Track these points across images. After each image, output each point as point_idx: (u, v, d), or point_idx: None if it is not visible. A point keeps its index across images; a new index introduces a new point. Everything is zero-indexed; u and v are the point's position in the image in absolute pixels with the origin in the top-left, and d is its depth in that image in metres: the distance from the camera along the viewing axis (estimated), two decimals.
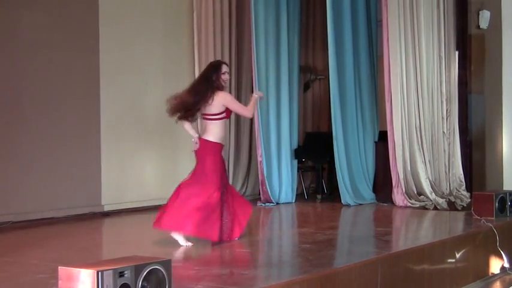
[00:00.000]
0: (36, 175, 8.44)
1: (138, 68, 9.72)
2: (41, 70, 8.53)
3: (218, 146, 6.75)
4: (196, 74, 10.17)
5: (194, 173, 6.79)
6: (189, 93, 6.73)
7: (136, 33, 9.70)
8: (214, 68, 6.83)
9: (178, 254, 6.28)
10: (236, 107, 6.83)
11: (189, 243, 6.63)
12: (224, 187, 6.80)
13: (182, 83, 10.15)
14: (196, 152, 6.78)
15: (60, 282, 4.26)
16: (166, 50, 10.17)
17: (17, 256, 6.15)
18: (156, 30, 10.05)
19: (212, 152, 6.71)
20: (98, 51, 9.17)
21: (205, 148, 6.71)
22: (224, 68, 6.78)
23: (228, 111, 6.78)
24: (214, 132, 6.72)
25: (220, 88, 6.73)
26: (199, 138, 6.75)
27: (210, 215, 6.59)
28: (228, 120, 6.95)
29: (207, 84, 6.72)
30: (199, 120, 7.31)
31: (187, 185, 6.73)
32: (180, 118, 6.77)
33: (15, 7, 8.27)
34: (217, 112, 6.70)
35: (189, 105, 6.68)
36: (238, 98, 10.82)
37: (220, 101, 6.67)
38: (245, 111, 6.92)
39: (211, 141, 6.70)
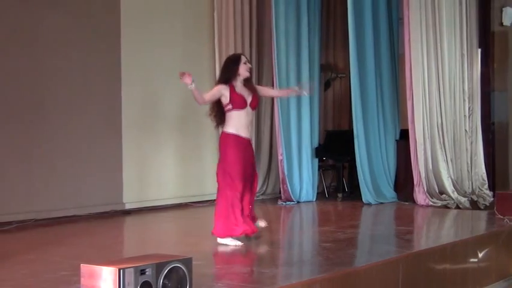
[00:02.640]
0: (59, 174, 8.49)
1: (159, 68, 9.74)
2: (64, 70, 8.58)
3: (234, 137, 6.54)
4: (217, 73, 10.20)
5: (217, 171, 6.69)
6: None
7: (157, 32, 9.73)
8: (233, 61, 6.69)
9: (199, 252, 6.28)
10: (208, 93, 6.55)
11: (239, 243, 6.56)
12: (247, 181, 6.66)
13: (203, 82, 10.20)
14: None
15: (82, 279, 4.29)
16: (187, 49, 10.19)
17: (40, 253, 6.19)
18: (177, 29, 10.07)
19: (230, 143, 6.54)
20: (120, 51, 9.21)
21: (221, 140, 6.62)
22: (244, 59, 6.67)
23: (232, 102, 6.51)
24: (229, 123, 6.56)
25: (231, 80, 6.56)
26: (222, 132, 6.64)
27: (233, 212, 6.54)
28: (246, 111, 6.59)
29: (220, 79, 6.66)
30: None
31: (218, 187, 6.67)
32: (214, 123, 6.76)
33: (38, 7, 8.32)
34: (224, 104, 6.56)
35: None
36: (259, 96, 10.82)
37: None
38: (201, 98, 6.48)
39: (227, 132, 6.56)
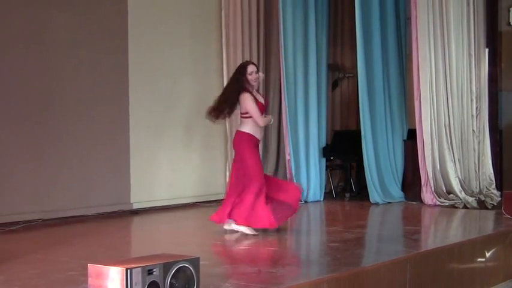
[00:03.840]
0: (66, 173, 8.51)
1: (167, 68, 9.76)
2: (71, 70, 8.60)
3: (253, 138, 7.09)
4: (225, 74, 10.22)
5: (235, 168, 7.24)
6: (220, 95, 7.26)
7: (164, 33, 9.73)
8: (241, 69, 7.17)
9: (207, 252, 6.30)
10: (251, 110, 7.04)
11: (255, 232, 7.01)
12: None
13: (210, 82, 10.27)
14: (234, 145, 7.26)
15: (89, 279, 4.30)
16: (194, 49, 10.19)
17: (48, 253, 6.21)
18: (184, 30, 10.08)
19: (247, 143, 7.08)
20: (127, 51, 9.22)
21: (240, 139, 7.14)
22: (250, 68, 7.09)
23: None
24: (247, 126, 7.10)
25: (246, 89, 7.06)
26: (237, 130, 7.22)
27: (257, 204, 7.00)
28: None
29: (233, 85, 7.17)
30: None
31: (234, 182, 7.21)
32: (211, 118, 7.23)
33: (46, 7, 8.34)
34: (244, 111, 7.11)
35: (217, 105, 7.14)
36: (266, 96, 10.84)
37: (242, 101, 7.08)
38: (258, 118, 7.06)
39: (246, 132, 7.08)
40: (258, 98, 7.13)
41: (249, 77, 7.04)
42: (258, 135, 7.16)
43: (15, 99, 8.05)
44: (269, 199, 7.09)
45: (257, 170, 7.08)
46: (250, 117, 7.05)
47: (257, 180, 7.04)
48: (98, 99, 8.88)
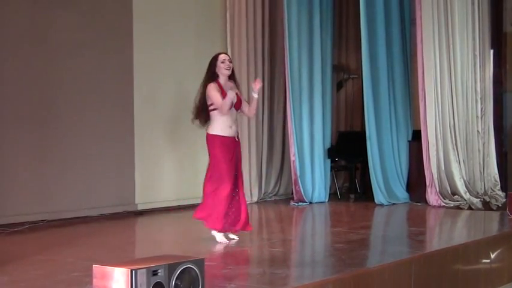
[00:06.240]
0: (71, 174, 8.52)
1: (172, 68, 9.76)
2: (76, 70, 8.61)
3: (220, 138, 6.65)
4: None
5: (208, 168, 6.85)
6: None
7: (169, 33, 9.74)
8: (211, 61, 6.77)
9: (212, 253, 6.30)
10: (213, 98, 6.59)
11: (226, 241, 6.69)
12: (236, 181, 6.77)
13: None
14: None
15: (94, 280, 4.29)
16: (199, 49, 10.18)
17: (52, 254, 6.22)
18: (189, 29, 10.09)
19: (217, 144, 6.65)
20: (132, 51, 9.23)
21: (208, 141, 6.76)
22: (222, 57, 6.69)
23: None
24: (214, 124, 6.67)
25: (212, 80, 6.64)
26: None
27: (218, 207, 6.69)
28: (231, 111, 6.64)
29: (205, 79, 6.72)
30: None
31: (206, 181, 6.86)
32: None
33: (51, 7, 8.35)
34: (209, 103, 6.66)
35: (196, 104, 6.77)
36: (272, 98, 10.86)
37: (207, 94, 6.65)
38: (221, 105, 6.53)
39: (213, 134, 6.67)
40: (225, 89, 6.63)
41: (222, 65, 6.62)
42: (228, 132, 6.63)
43: (19, 100, 8.06)
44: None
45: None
46: (216, 109, 6.59)
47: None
48: (103, 99, 8.89)
